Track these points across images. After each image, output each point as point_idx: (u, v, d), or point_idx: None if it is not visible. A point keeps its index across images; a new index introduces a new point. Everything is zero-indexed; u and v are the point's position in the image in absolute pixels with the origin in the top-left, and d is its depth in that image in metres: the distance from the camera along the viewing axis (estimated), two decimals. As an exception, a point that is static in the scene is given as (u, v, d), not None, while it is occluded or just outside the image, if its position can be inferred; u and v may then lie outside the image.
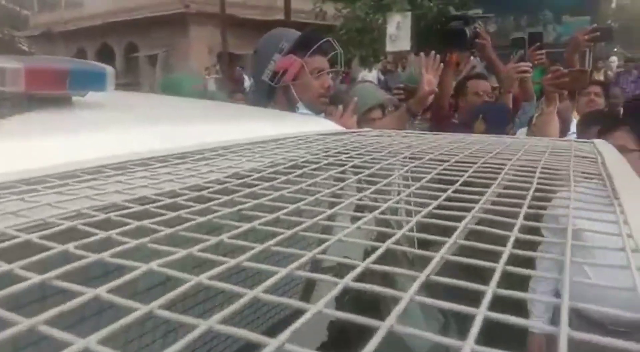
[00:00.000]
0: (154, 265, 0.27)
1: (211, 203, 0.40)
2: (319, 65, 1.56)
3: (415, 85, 2.86)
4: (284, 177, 0.50)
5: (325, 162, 0.60)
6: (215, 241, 0.31)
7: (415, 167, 0.56)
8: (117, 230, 0.33)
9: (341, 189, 0.49)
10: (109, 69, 0.84)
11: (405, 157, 0.65)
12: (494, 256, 0.32)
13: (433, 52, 1.77)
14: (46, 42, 21.50)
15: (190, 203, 0.40)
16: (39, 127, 0.68)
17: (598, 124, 1.83)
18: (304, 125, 1.08)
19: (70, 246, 0.30)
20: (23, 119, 0.67)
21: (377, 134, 1.08)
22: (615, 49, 9.68)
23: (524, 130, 2.57)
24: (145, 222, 0.34)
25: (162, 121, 0.81)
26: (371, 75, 11.29)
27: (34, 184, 0.47)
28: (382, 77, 10.65)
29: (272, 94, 1.58)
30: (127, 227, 0.33)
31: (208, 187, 0.46)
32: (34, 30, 22.49)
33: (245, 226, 0.34)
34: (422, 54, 1.78)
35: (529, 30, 2.81)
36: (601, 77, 7.15)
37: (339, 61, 1.63)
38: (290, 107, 1.55)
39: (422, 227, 0.39)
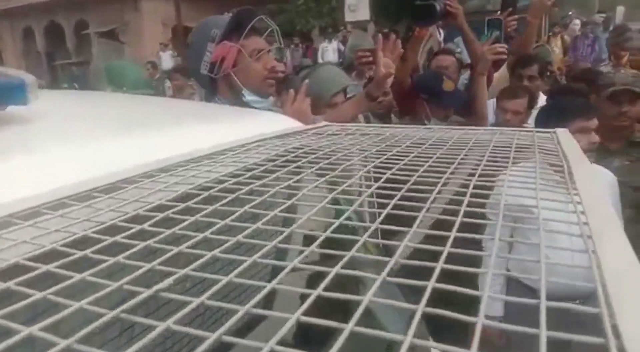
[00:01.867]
0: None
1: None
2: (257, 46, 1.45)
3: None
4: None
5: (274, 189, 0.54)
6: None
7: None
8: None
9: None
10: (28, 79, 0.74)
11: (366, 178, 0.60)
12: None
13: (393, 36, 1.70)
14: (-11, 21, 20.34)
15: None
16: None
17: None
18: (253, 123, 1.00)
19: None
20: None
21: (336, 131, 1.01)
22: (571, 13, 9.74)
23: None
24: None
25: (87, 139, 0.72)
26: (331, 46, 11.17)
27: None
28: (342, 48, 10.54)
29: (214, 86, 1.48)
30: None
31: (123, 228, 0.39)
32: (-26, 9, 21.21)
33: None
34: (379, 36, 1.70)
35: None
36: (558, 43, 7.20)
37: (276, 37, 1.53)
38: (235, 95, 1.45)
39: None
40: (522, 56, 2.66)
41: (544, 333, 0.26)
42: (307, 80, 1.61)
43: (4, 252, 0.39)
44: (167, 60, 11.22)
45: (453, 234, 0.41)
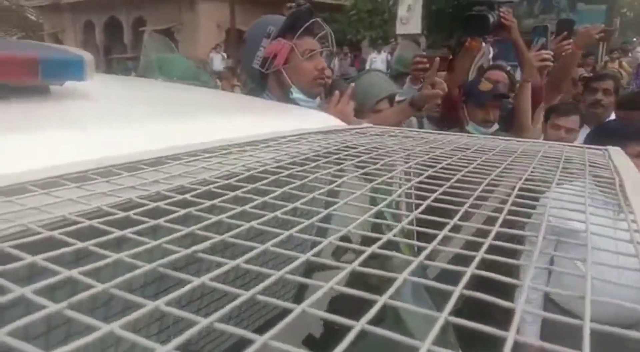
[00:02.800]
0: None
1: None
2: (310, 46, 1.47)
3: (406, 70, 2.82)
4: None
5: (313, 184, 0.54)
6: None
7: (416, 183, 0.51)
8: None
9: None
10: (87, 57, 0.77)
11: (407, 173, 0.59)
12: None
13: (437, 58, 1.72)
14: (55, 13, 21.28)
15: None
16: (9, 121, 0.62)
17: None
18: (297, 119, 1.01)
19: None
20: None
21: (379, 132, 1.01)
22: (635, 39, 9.43)
23: None
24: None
25: (136, 118, 0.74)
26: (380, 57, 11.17)
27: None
28: (390, 59, 10.53)
29: (264, 81, 1.51)
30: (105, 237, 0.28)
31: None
32: (42, 0, 22.21)
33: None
34: (437, 59, 1.72)
35: (560, 18, 2.70)
36: (615, 68, 6.97)
37: (329, 41, 1.54)
38: (284, 92, 1.47)
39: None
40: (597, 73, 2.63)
41: (587, 325, 0.25)
42: (353, 84, 1.61)
43: (52, 207, 0.40)
44: (218, 61, 11.45)
45: (489, 240, 0.39)
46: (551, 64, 2.31)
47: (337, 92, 1.47)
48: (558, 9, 10.85)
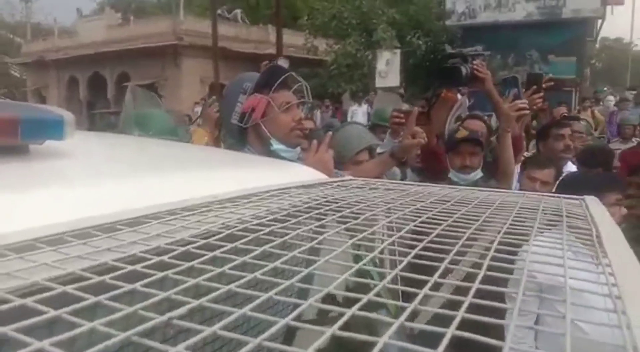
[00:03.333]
0: None
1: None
2: (286, 99, 1.51)
3: (382, 123, 2.88)
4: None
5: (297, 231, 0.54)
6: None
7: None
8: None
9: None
10: (66, 116, 0.78)
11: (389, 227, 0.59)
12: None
13: (416, 108, 1.77)
14: (38, 69, 21.50)
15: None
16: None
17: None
18: (278, 173, 1.01)
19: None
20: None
21: (360, 184, 1.02)
22: (605, 89, 9.82)
23: None
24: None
25: (115, 176, 0.74)
26: (361, 109, 11.42)
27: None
28: (371, 111, 10.76)
29: (244, 136, 1.54)
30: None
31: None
32: (26, 57, 22.47)
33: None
34: (415, 108, 1.77)
35: (529, 72, 2.79)
36: (589, 118, 7.19)
37: (305, 93, 1.59)
38: (264, 145, 1.50)
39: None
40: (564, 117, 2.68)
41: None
42: (330, 132, 1.64)
43: (25, 272, 0.39)
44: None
45: (469, 299, 0.37)
46: (528, 112, 2.35)
47: (314, 142, 1.49)
48: (531, 61, 11.29)
